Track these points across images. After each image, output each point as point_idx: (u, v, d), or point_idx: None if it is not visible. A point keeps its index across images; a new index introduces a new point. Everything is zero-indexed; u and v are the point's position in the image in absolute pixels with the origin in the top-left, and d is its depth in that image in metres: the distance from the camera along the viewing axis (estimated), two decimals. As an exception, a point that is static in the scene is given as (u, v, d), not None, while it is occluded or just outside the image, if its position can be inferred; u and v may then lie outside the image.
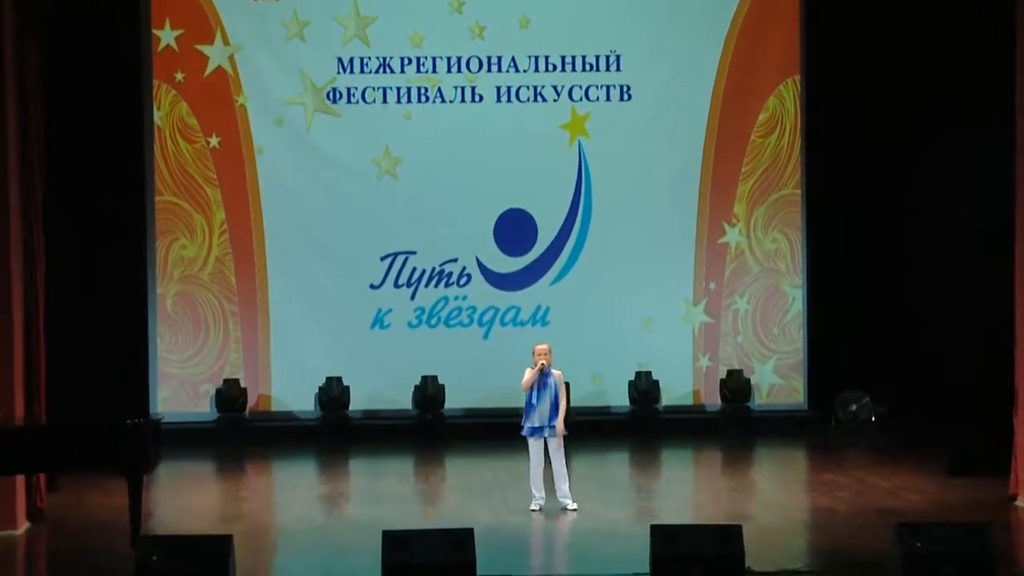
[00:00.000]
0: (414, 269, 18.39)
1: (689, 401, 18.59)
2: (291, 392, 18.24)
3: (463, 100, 18.40)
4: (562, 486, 12.86)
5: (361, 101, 18.30)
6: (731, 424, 18.15)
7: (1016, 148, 13.06)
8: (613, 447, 17.15)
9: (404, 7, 18.32)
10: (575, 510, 12.77)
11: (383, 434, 17.88)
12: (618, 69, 18.48)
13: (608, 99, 18.48)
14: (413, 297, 18.41)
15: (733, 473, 16.07)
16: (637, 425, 18.10)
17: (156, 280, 18.10)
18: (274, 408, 18.24)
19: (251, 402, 18.13)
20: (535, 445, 12.83)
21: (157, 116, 18.03)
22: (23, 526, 12.31)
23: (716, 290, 18.61)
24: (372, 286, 18.37)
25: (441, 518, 12.89)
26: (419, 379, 18.19)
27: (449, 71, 18.38)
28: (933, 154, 17.63)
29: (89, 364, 16.90)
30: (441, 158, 18.32)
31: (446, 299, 18.44)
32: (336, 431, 17.85)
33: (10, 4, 12.46)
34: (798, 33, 18.55)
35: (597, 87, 18.48)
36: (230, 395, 17.99)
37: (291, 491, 14.66)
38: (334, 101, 18.28)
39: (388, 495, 14.12)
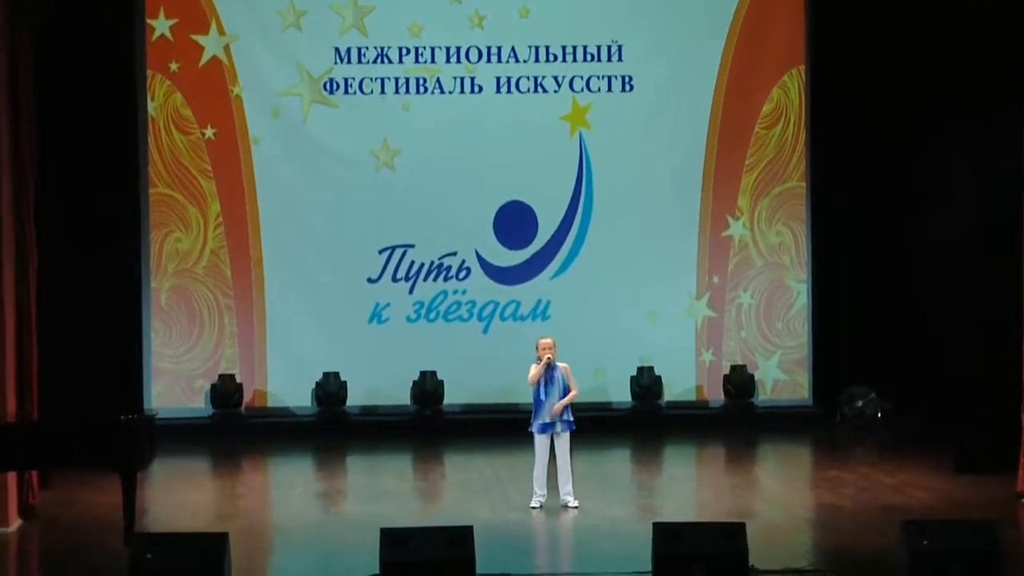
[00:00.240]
0: (412, 263, 18.39)
1: (692, 397, 18.60)
2: (287, 387, 18.24)
3: (462, 91, 18.40)
4: (566, 484, 12.84)
5: (359, 92, 18.30)
6: (734, 420, 18.16)
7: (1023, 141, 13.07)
8: (615, 443, 17.16)
9: (402, -4, 18.35)
10: (576, 507, 12.77)
11: (381, 430, 17.88)
12: (620, 59, 18.47)
13: (610, 90, 18.47)
14: (411, 291, 18.41)
15: (736, 470, 16.08)
16: (639, 421, 18.11)
17: (150, 274, 18.09)
18: (270, 404, 18.25)
19: (247, 398, 18.13)
20: (542, 441, 12.81)
21: (151, 107, 18.02)
22: (15, 523, 12.31)
23: (719, 284, 18.61)
24: (370, 280, 18.37)
25: (440, 515, 12.89)
26: (418, 374, 18.19)
27: (448, 61, 18.37)
28: (941, 145, 17.61)
29: (82, 359, 16.89)
30: (440, 150, 18.31)
31: (445, 293, 18.44)
32: (333, 427, 17.85)
33: (1, -7, 12.47)
34: (803, 22, 18.55)
35: (598, 78, 18.47)
36: (225, 390, 17.98)
37: (288, 488, 14.66)
38: (331, 92, 18.27)
39: (386, 492, 14.12)
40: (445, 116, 18.33)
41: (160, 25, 18.00)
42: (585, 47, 18.44)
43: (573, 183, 18.49)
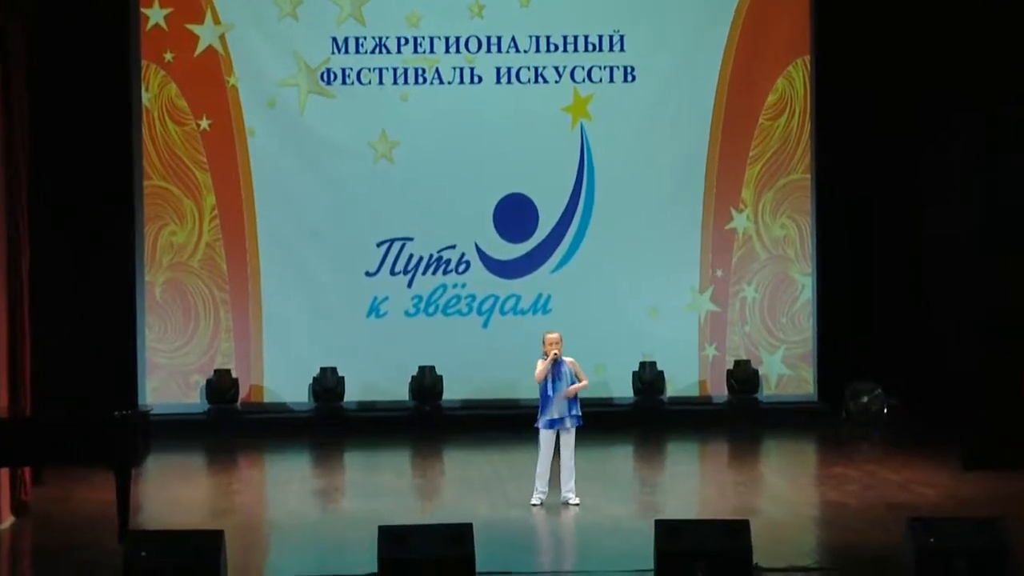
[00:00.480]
0: (411, 256, 18.40)
1: (695, 392, 18.61)
2: (284, 383, 18.25)
3: (462, 81, 18.40)
4: (568, 481, 12.85)
5: (356, 82, 18.30)
6: (738, 416, 18.17)
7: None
8: (616, 439, 17.16)
9: (401, -15, 18.35)
10: (577, 504, 12.78)
11: (379, 426, 17.89)
12: (622, 49, 18.47)
13: (611, 80, 18.48)
14: (410, 285, 18.42)
15: (740, 466, 16.09)
16: (641, 417, 18.12)
17: (144, 267, 18.10)
18: (266, 399, 18.26)
19: (243, 393, 18.14)
20: (547, 438, 12.79)
21: (145, 97, 18.02)
22: (7, 520, 12.33)
23: (723, 277, 18.61)
24: (368, 273, 18.38)
25: (439, 513, 12.89)
26: (416, 369, 18.20)
27: (447, 51, 18.38)
28: (946, 136, 17.61)
29: (76, 354, 16.91)
30: (439, 141, 18.31)
31: (444, 287, 18.45)
32: (331, 423, 17.86)
33: (-7, -18, 12.48)
34: (808, 11, 18.55)
35: (600, 68, 18.47)
36: (221, 386, 18.00)
37: (284, 485, 14.68)
38: (328, 82, 18.27)
39: (384, 489, 14.13)
40: (444, 107, 18.33)
41: (154, 14, 18.00)
42: (586, 37, 18.44)
43: (574, 175, 18.50)
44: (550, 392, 12.74)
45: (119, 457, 11.42)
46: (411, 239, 18.39)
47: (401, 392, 18.24)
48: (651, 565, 9.80)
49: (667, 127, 18.48)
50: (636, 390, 18.33)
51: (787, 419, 18.05)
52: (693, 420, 18.13)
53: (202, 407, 18.04)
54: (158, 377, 18.09)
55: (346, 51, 18.27)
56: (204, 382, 18.08)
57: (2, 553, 11.56)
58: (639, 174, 18.49)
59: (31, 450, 11.53)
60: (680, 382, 18.53)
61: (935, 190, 17.86)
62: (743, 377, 18.42)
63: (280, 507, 13.59)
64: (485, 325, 18.49)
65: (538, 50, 18.42)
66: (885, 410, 18.24)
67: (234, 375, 18.08)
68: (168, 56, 18.03)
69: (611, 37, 18.45)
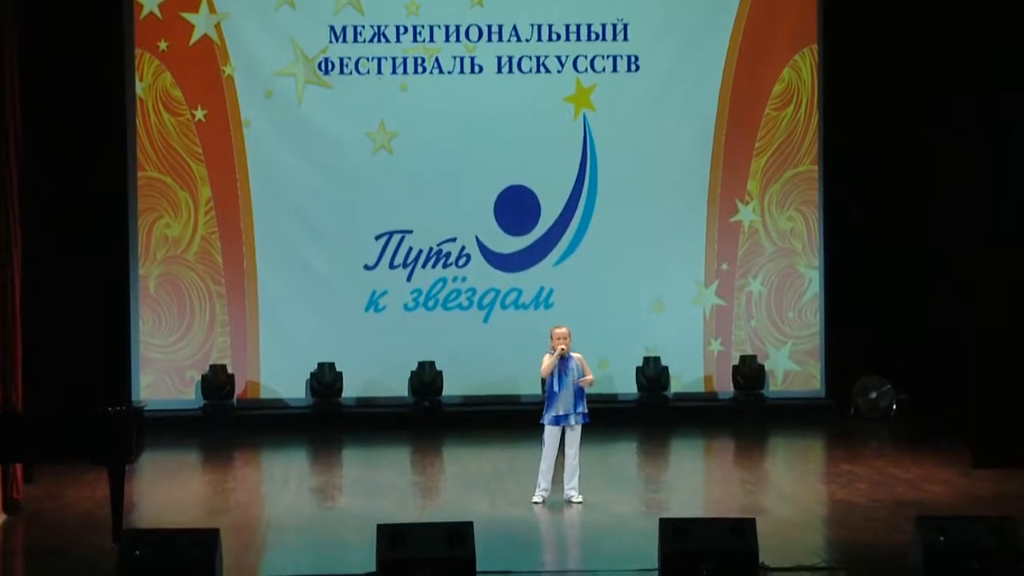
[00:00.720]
0: (410, 249, 18.39)
1: (700, 388, 18.61)
2: (281, 378, 18.25)
3: (462, 71, 18.38)
4: (571, 479, 12.84)
5: (355, 72, 18.28)
6: (744, 412, 18.17)
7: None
8: (620, 436, 17.16)
9: (400, -28, 18.33)
10: (580, 503, 12.78)
11: (378, 422, 17.90)
12: (625, 39, 18.46)
13: (615, 70, 18.46)
14: (409, 278, 18.41)
15: (746, 464, 16.09)
16: (646, 413, 18.12)
17: (138, 260, 18.10)
18: (263, 395, 18.26)
19: (239, 389, 18.14)
20: (552, 434, 12.77)
21: (139, 87, 18.01)
22: (-1, 519, 12.34)
23: (729, 271, 18.60)
24: (366, 267, 18.37)
25: (439, 511, 12.88)
26: (416, 365, 18.20)
27: (447, 40, 18.36)
28: (956, 127, 17.58)
29: (68, 349, 16.90)
30: (439, 132, 18.31)
31: (444, 280, 18.44)
32: (328, 419, 17.86)
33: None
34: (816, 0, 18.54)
35: (603, 57, 18.46)
36: (217, 381, 18.00)
37: (281, 483, 14.68)
38: (326, 72, 18.25)
39: (383, 486, 14.14)
40: (444, 97, 18.32)
41: (149, 2, 17.98)
42: (589, 26, 18.42)
43: (577, 167, 18.49)
44: (556, 388, 12.71)
45: (112, 454, 11.40)
46: (411, 232, 18.38)
47: (400, 388, 18.24)
48: (655, 565, 9.81)
49: (671, 118, 18.47)
50: (640, 386, 18.33)
51: (794, 416, 18.05)
52: (698, 416, 18.13)
53: (197, 403, 18.03)
54: (152, 372, 18.09)
55: (344, 40, 18.25)
56: (199, 378, 18.07)
57: (-7, 552, 11.58)
58: (643, 166, 18.48)
59: (22, 447, 11.52)
60: (685, 377, 18.53)
61: (945, 181, 17.82)
62: (749, 373, 18.41)
63: (277, 505, 13.58)
64: (486, 319, 18.48)
65: (540, 39, 18.40)
66: (894, 406, 18.23)
67: (230, 370, 18.08)
68: (162, 45, 18.01)
69: (614, 26, 18.44)
